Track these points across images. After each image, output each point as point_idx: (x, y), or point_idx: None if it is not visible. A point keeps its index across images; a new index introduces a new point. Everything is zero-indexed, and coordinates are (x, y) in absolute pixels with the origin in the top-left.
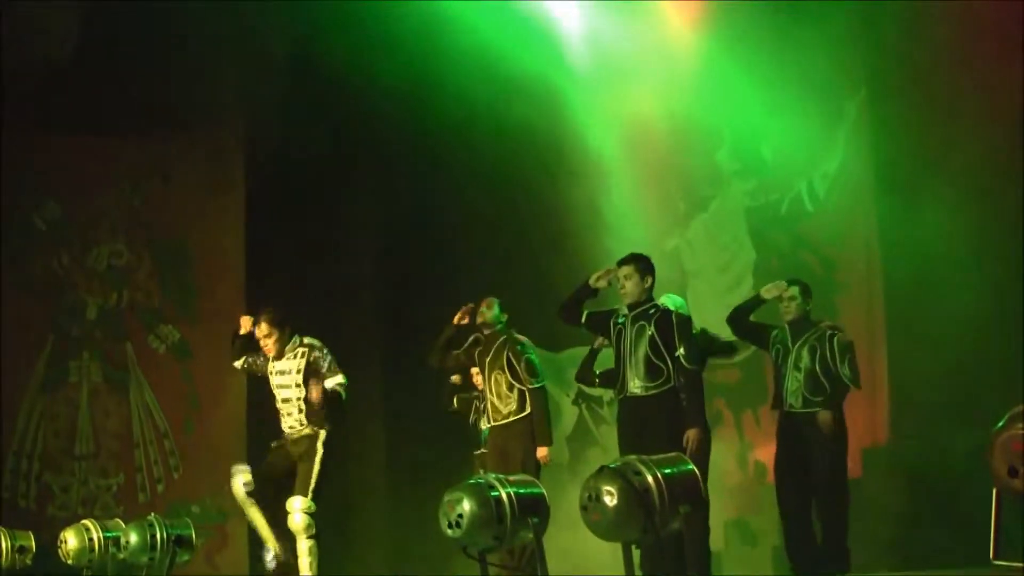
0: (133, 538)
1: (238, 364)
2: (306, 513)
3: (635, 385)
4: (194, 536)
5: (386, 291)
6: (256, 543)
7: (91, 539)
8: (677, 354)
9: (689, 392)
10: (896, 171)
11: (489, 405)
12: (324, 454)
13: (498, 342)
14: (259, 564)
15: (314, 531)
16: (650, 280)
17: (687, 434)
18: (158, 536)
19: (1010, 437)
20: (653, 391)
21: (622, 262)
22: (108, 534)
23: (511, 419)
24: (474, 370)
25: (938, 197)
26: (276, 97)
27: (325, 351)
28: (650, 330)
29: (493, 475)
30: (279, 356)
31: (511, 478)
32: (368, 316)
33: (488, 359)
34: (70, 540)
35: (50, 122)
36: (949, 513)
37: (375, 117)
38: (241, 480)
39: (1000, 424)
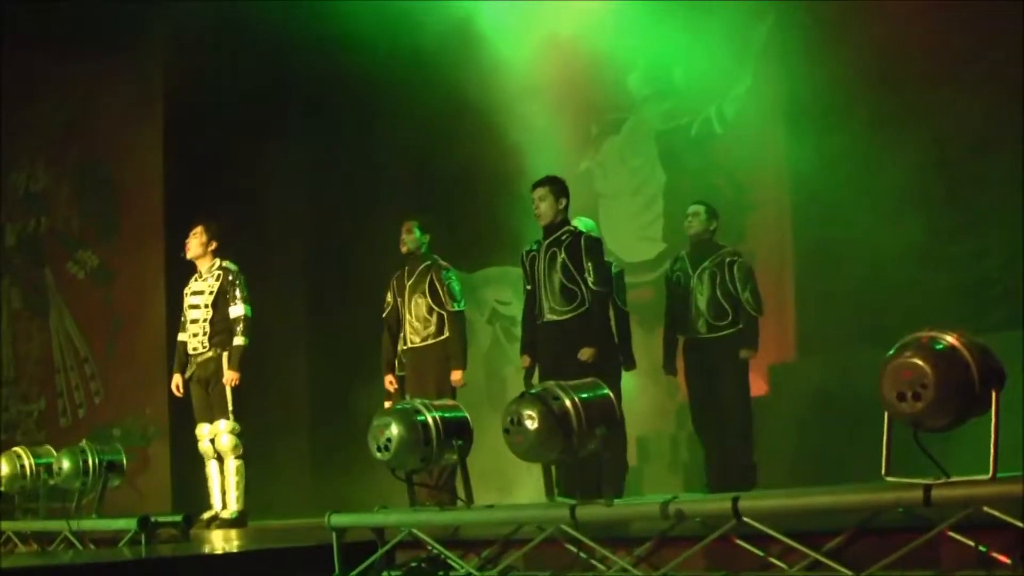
0: (65, 464)
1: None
2: (232, 434)
3: (550, 311)
4: (124, 461)
5: (310, 222)
6: (179, 468)
7: (23, 465)
8: (585, 275)
9: (595, 313)
10: (803, 94)
11: (408, 327)
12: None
13: (421, 266)
14: (184, 498)
15: (241, 451)
16: (564, 202)
17: (581, 351)
18: (90, 462)
19: (899, 364)
20: (568, 315)
21: (537, 184)
22: (39, 460)
23: (429, 342)
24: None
25: (845, 120)
26: (203, 25)
27: (241, 278)
28: (562, 256)
29: (419, 400)
30: (197, 267)
31: (436, 403)
32: (290, 246)
33: (411, 282)
34: (2, 467)
35: None
36: (851, 430)
37: (298, 49)
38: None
39: (891, 352)
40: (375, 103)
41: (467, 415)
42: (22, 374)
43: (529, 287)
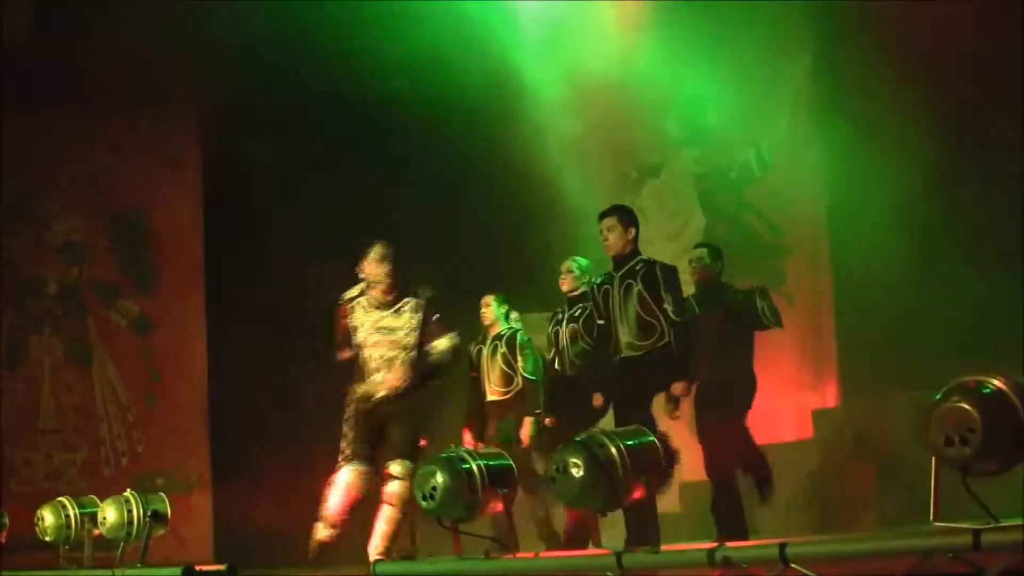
0: (110, 514)
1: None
2: (404, 479)
3: (628, 346)
4: (168, 510)
5: (349, 259)
6: (220, 516)
7: (68, 516)
8: (664, 306)
9: (678, 344)
10: (841, 136)
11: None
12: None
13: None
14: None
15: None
16: (633, 231)
17: (673, 386)
18: (135, 512)
19: (946, 410)
20: (647, 349)
21: (604, 214)
22: (84, 510)
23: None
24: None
25: (883, 162)
26: (237, 74)
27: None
28: (637, 287)
29: (464, 449)
30: (384, 304)
31: (480, 451)
32: (332, 289)
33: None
34: (47, 517)
35: (4, 101)
36: (895, 474)
37: (329, 90)
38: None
39: (937, 397)
40: (411, 151)
41: (512, 463)
42: (64, 423)
43: (602, 322)
